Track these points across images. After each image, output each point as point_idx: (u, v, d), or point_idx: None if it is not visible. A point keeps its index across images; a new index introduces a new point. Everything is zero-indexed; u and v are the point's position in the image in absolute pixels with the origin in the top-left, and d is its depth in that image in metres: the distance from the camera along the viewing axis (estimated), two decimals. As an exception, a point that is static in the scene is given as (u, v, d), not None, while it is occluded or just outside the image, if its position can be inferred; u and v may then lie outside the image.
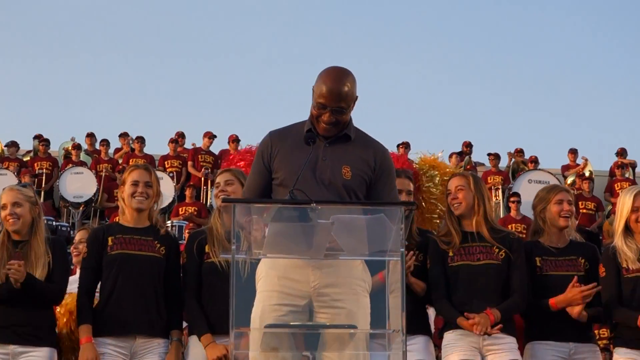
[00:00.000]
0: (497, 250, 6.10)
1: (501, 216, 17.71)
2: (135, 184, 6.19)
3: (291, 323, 4.61)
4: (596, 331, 10.08)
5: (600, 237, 16.90)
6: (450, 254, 6.14)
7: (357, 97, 4.89)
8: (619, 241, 6.17)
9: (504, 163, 20.40)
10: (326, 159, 4.86)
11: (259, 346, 4.53)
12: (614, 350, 6.17)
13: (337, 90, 4.77)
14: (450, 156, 19.64)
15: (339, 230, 4.36)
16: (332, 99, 4.78)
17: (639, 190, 6.25)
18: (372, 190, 4.94)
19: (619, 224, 6.21)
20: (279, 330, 4.54)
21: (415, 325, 6.04)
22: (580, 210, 17.83)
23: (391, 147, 19.99)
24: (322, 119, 4.83)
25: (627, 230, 6.19)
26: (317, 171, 4.82)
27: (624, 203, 6.20)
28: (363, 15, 37.57)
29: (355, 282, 4.73)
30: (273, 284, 4.70)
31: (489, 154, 20.09)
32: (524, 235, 14.61)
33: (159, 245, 6.13)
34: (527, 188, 17.60)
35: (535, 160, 20.25)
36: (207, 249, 6.12)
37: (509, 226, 16.06)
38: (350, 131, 4.95)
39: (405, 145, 19.69)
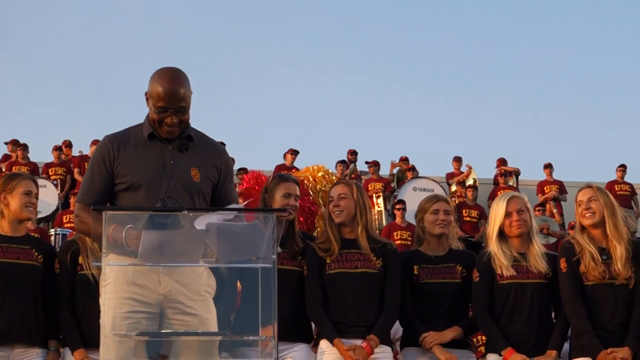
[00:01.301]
0: (374, 258, 6.14)
1: (384, 224, 17.86)
2: (28, 193, 6.08)
3: (144, 330, 4.57)
4: (480, 337, 10.26)
5: (483, 245, 17.09)
6: (328, 261, 6.14)
7: (192, 93, 4.86)
8: (493, 247, 6.26)
9: (384, 170, 20.53)
10: (174, 161, 4.83)
11: (110, 354, 4.44)
12: (486, 357, 6.27)
13: (175, 90, 4.75)
14: (337, 165, 19.72)
15: (212, 237, 4.34)
16: (171, 101, 4.75)
17: (512, 196, 6.38)
18: (218, 191, 4.96)
19: (493, 230, 6.32)
20: (132, 338, 4.49)
21: (296, 332, 6.07)
22: (464, 218, 18.06)
23: (279, 154, 20.10)
24: (166, 122, 4.80)
25: (502, 236, 6.29)
26: (168, 175, 4.78)
27: (498, 209, 6.31)
28: (249, 19, 37.54)
29: (203, 288, 4.75)
30: (123, 290, 4.63)
31: (367, 162, 20.24)
32: (410, 243, 14.80)
33: (36, 253, 6.04)
34: (412, 195, 17.79)
35: (413, 168, 20.43)
36: (80, 260, 6.06)
37: (394, 233, 16.21)
38: (191, 132, 4.93)
39: (293, 152, 19.73)
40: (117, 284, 4.63)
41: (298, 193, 6.28)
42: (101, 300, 4.63)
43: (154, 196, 4.60)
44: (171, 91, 4.74)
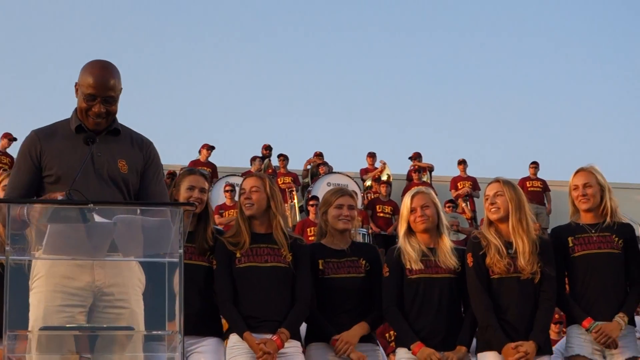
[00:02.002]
0: (285, 253, 6.14)
1: (299, 219, 17.87)
2: None
3: (76, 324, 4.54)
4: (391, 332, 10.32)
5: (397, 240, 17.18)
6: (238, 255, 6.13)
7: (121, 88, 4.90)
8: (402, 242, 6.32)
9: (293, 165, 20.55)
10: (101, 154, 4.85)
11: (37, 349, 4.42)
12: (396, 351, 6.31)
13: (105, 79, 4.80)
14: (252, 160, 19.70)
15: (120, 231, 4.33)
16: (101, 88, 4.79)
17: (417, 191, 6.44)
18: (142, 183, 4.97)
19: (401, 225, 6.39)
20: (59, 333, 4.46)
21: (205, 327, 6.05)
22: (378, 214, 18.17)
23: (195, 148, 20.00)
24: (93, 110, 4.82)
25: (411, 231, 6.34)
26: (95, 167, 4.80)
27: (405, 204, 6.38)
28: (164, 12, 37.29)
29: (136, 283, 4.75)
30: (55, 284, 4.62)
31: (278, 156, 20.23)
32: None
33: None
34: (326, 191, 17.79)
35: (325, 163, 20.49)
36: None
37: (308, 229, 16.22)
38: (118, 126, 4.97)
39: (208, 148, 19.64)
40: (49, 278, 4.62)
41: (204, 186, 6.24)
42: (30, 295, 4.60)
43: (80, 188, 4.57)
44: (101, 79, 4.79)
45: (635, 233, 6.42)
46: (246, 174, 7.22)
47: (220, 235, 6.27)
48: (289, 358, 6.02)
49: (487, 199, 6.29)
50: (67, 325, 4.51)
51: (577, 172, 6.45)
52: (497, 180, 6.32)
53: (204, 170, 6.62)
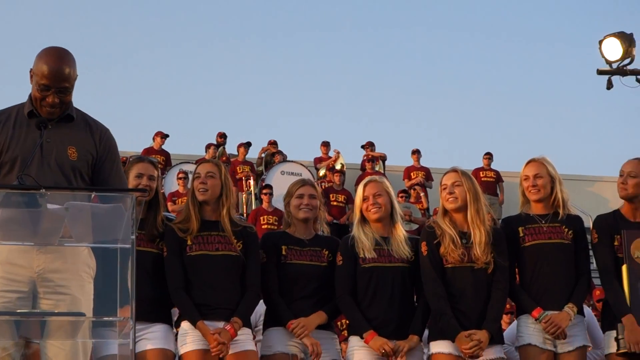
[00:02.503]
0: (235, 241, 6.13)
1: (254, 207, 17.86)
2: None
3: (17, 310, 4.51)
4: (343, 320, 10.36)
5: (350, 229, 17.19)
6: (189, 242, 6.11)
7: (77, 76, 4.86)
8: (356, 230, 6.34)
9: (253, 154, 20.57)
10: (50, 140, 4.81)
11: None
12: (348, 340, 6.34)
13: (59, 70, 4.75)
14: (207, 147, 19.64)
15: (71, 217, 4.31)
16: (55, 79, 4.74)
17: (370, 179, 6.47)
18: (98, 171, 4.94)
19: (355, 214, 6.41)
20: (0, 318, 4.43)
21: (155, 313, 6.03)
22: (332, 203, 18.17)
23: (149, 136, 19.91)
24: (47, 101, 4.79)
25: (364, 220, 6.36)
26: (43, 153, 4.76)
27: (358, 193, 6.41)
28: None
29: (81, 268, 4.72)
30: None
31: (239, 145, 20.19)
32: (276, 228, 14.84)
33: None
34: (280, 180, 17.83)
35: (280, 152, 20.47)
36: None
37: (261, 218, 16.22)
38: (72, 111, 4.93)
39: (162, 135, 19.56)
40: None
41: (153, 173, 6.17)
42: None
43: (30, 174, 4.54)
44: (56, 70, 4.74)
45: (584, 225, 6.48)
46: (200, 161, 7.18)
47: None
48: (240, 345, 6.02)
49: (444, 188, 6.29)
50: (4, 311, 4.49)
51: (528, 162, 6.49)
52: (454, 170, 6.34)
53: (153, 158, 6.58)
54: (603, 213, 6.58)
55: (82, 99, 5.10)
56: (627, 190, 6.35)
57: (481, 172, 19.86)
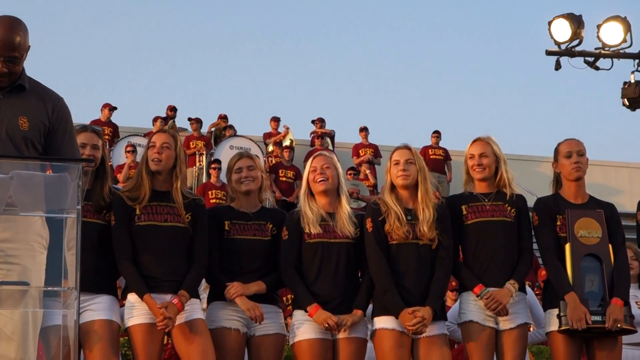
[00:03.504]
0: (184, 213, 6.13)
1: (204, 181, 17.82)
2: None
3: None
4: (288, 295, 10.40)
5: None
6: (137, 212, 6.09)
7: (29, 46, 4.81)
8: (302, 203, 6.37)
9: (205, 129, 20.49)
10: (1, 110, 4.77)
11: None
12: (293, 313, 6.37)
13: (9, 39, 4.69)
14: (155, 120, 19.54)
15: (17, 186, 4.28)
16: (4, 48, 4.69)
17: (319, 153, 6.53)
18: (50, 140, 4.89)
19: (303, 188, 6.44)
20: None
21: (100, 284, 5.99)
22: (280, 179, 18.19)
23: (97, 107, 19.78)
24: None
25: (311, 194, 6.39)
26: None
27: (306, 166, 6.43)
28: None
29: (33, 238, 4.67)
30: None
31: (189, 119, 20.12)
32: (224, 202, 14.81)
33: None
34: (229, 154, 17.73)
35: (231, 127, 20.46)
36: None
37: (209, 192, 16.21)
38: (25, 81, 4.87)
39: (110, 108, 19.43)
40: None
41: (97, 143, 6.10)
42: None
43: None
44: (5, 39, 4.68)
45: (527, 204, 6.54)
46: (150, 134, 7.15)
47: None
48: (188, 315, 6.03)
49: (396, 164, 6.30)
50: None
51: (473, 141, 6.53)
52: (407, 147, 6.37)
53: (97, 127, 6.51)
54: (544, 195, 6.63)
55: (34, 65, 5.06)
56: (582, 169, 6.42)
57: (430, 150, 19.93)
